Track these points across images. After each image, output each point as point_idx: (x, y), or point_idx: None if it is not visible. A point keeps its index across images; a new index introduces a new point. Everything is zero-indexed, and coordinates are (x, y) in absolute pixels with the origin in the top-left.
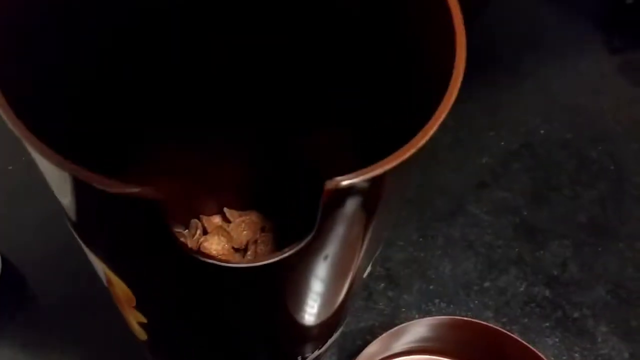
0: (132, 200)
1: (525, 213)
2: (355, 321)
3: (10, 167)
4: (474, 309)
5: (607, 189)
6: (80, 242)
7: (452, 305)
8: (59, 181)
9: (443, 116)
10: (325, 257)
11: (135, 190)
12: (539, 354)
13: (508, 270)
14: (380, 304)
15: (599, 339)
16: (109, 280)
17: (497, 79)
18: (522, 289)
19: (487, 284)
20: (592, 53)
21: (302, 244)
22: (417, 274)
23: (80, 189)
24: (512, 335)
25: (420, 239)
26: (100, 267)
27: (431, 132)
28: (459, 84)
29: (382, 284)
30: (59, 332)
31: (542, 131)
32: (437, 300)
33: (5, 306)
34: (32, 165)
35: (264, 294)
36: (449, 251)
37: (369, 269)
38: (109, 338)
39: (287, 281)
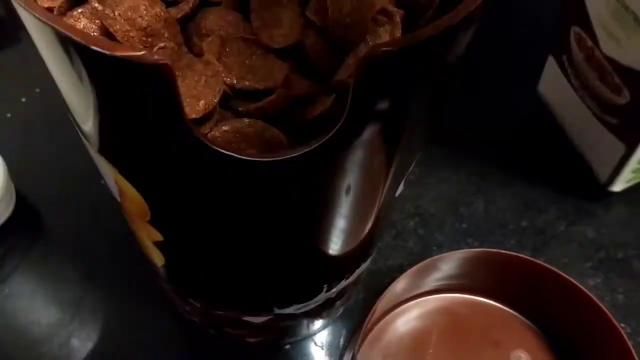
0: (136, 65)
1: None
2: (384, 259)
3: (23, 100)
4: (509, 249)
5: None
6: (88, 146)
7: (485, 245)
8: (56, 55)
9: None
10: (356, 156)
11: (138, 53)
12: (582, 287)
13: (547, 210)
14: (410, 242)
15: None
16: (122, 193)
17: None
18: (562, 228)
19: (524, 223)
20: None
21: (329, 134)
22: (449, 212)
23: (78, 57)
24: (551, 267)
25: (453, 176)
26: (112, 176)
27: None
28: None
29: (412, 222)
30: (75, 266)
31: None
32: (470, 240)
33: (20, 241)
34: (45, 96)
35: (286, 198)
36: (484, 189)
37: (401, 187)
38: (126, 271)
39: (312, 183)
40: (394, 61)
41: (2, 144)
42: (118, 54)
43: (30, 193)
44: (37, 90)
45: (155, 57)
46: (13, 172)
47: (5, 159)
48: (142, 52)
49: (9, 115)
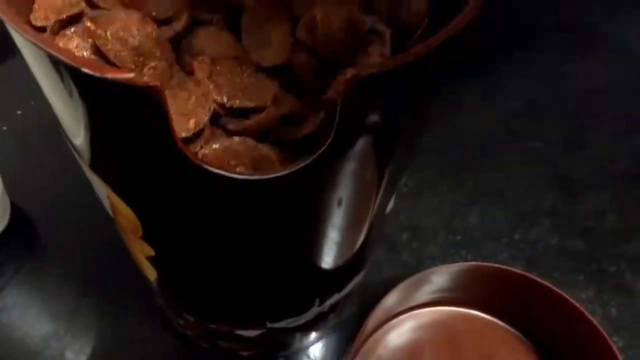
0: (126, 87)
1: (558, 162)
2: (377, 272)
3: (19, 112)
4: (502, 262)
5: None
6: (81, 162)
7: (479, 258)
8: (48, 75)
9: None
10: (345, 173)
11: (128, 75)
12: (573, 302)
13: (540, 222)
14: (404, 255)
15: (637, 294)
16: (114, 209)
17: (530, 22)
18: (554, 241)
19: (517, 236)
20: None
21: (317, 154)
22: (443, 224)
23: (69, 78)
24: (542, 282)
25: (447, 189)
26: (104, 192)
27: (466, 21)
28: None
29: (406, 235)
30: (70, 279)
31: (577, 78)
32: (463, 252)
33: (14, 253)
34: (41, 109)
35: (276, 215)
36: (477, 201)
37: (391, 203)
38: (120, 285)
39: (302, 200)
40: (379, 83)
41: None
42: (109, 76)
43: (25, 205)
44: (33, 103)
45: (145, 78)
46: (8, 184)
47: (0, 171)
48: (132, 75)
49: (4, 127)
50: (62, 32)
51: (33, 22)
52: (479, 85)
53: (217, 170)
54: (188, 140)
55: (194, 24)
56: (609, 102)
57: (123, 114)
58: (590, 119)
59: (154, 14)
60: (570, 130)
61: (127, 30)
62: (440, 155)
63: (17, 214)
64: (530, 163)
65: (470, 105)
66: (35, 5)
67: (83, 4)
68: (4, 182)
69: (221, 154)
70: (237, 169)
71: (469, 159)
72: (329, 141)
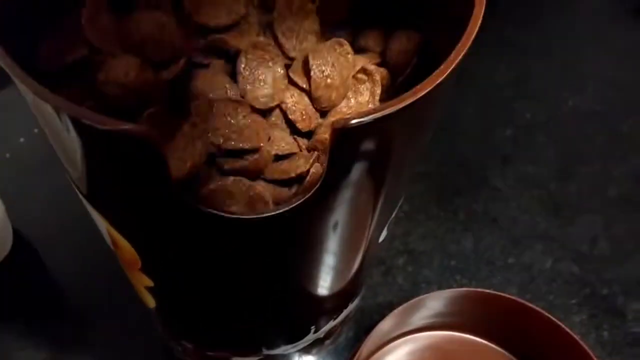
0: (125, 137)
1: (552, 187)
2: (373, 296)
3: (22, 140)
4: (496, 286)
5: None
6: (81, 196)
7: (474, 282)
8: (50, 122)
9: (462, 54)
10: (336, 212)
11: (127, 126)
12: (565, 327)
13: (533, 246)
14: (399, 279)
15: (630, 317)
16: (114, 242)
17: (525, 48)
18: (548, 265)
19: (511, 260)
20: (624, 22)
21: (309, 194)
22: (438, 249)
23: (72, 127)
24: (534, 307)
25: (441, 213)
26: (104, 226)
27: (450, 69)
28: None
29: (401, 259)
30: (73, 306)
31: (570, 103)
32: (458, 277)
33: (16, 280)
34: (44, 137)
35: (270, 251)
36: (471, 226)
37: (384, 233)
38: (122, 311)
39: (295, 237)
40: (367, 129)
41: (1, 184)
42: (107, 128)
43: (27, 233)
44: (36, 130)
45: (143, 128)
46: (11, 211)
47: (3, 199)
48: (130, 126)
49: (7, 155)
50: (64, 76)
51: (38, 66)
52: (473, 111)
53: (212, 211)
54: (184, 182)
55: (191, 68)
56: (602, 127)
57: (120, 158)
58: (583, 144)
59: (152, 58)
60: (563, 155)
61: (126, 75)
62: (435, 180)
63: (19, 240)
64: (524, 188)
65: (465, 130)
66: (40, 51)
67: (86, 49)
68: (6, 209)
69: (216, 194)
70: (232, 209)
71: (462, 184)
72: (319, 184)
